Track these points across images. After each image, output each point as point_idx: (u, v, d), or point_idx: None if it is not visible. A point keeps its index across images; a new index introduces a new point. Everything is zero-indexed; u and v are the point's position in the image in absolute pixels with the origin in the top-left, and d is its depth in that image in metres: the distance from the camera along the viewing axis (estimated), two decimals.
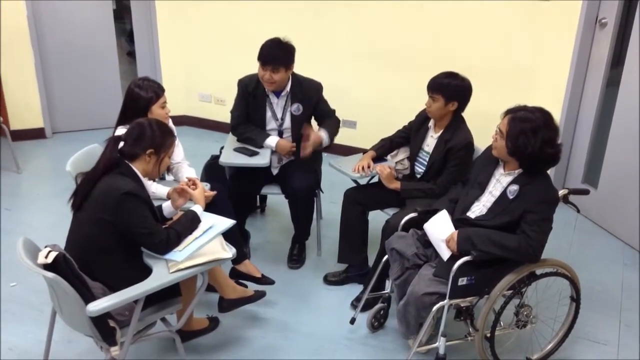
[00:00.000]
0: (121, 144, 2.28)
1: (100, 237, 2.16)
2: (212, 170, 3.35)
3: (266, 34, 3.17)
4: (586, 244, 3.75)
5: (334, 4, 4.51)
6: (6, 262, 3.26)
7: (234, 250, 2.32)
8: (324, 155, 3.53)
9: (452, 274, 2.33)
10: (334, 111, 3.38)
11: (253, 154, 3.18)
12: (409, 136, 3.17)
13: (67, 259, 2.03)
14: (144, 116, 2.72)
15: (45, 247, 2.06)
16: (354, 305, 3.02)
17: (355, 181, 3.24)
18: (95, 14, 4.97)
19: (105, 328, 2.09)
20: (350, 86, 4.62)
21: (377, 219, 3.16)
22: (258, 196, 3.87)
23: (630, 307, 3.13)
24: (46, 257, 1.99)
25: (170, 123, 2.88)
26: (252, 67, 3.19)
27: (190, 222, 2.32)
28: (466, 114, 2.98)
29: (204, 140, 5.06)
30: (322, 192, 3.52)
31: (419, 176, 3.09)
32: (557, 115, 3.77)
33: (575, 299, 2.63)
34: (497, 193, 2.46)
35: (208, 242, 2.27)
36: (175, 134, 2.66)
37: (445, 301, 2.37)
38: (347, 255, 3.19)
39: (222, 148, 3.29)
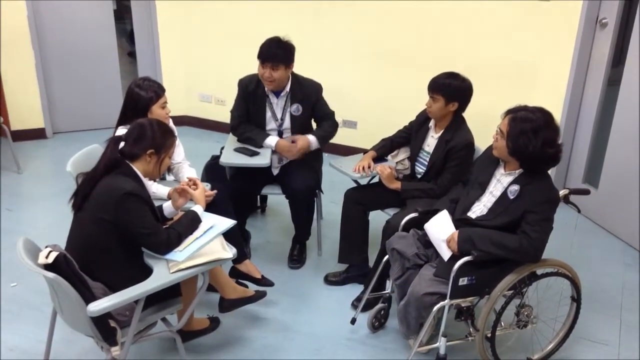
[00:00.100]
0: (122, 144, 2.28)
1: (101, 237, 2.16)
2: (213, 171, 3.35)
3: (266, 34, 3.17)
4: (587, 244, 3.74)
5: (335, 4, 4.51)
6: (6, 262, 3.26)
7: (234, 250, 2.32)
8: (325, 155, 3.52)
9: (452, 274, 2.33)
10: (333, 113, 3.37)
11: (253, 154, 3.18)
12: (410, 136, 3.17)
13: (67, 259, 2.03)
14: (144, 116, 2.72)
15: (46, 247, 2.06)
16: (354, 305, 3.02)
17: (355, 181, 3.24)
18: (96, 14, 4.97)
19: (105, 328, 2.09)
20: (350, 86, 4.62)
21: (377, 219, 3.16)
22: (258, 196, 3.87)
23: (631, 307, 3.13)
24: (47, 257, 1.99)
25: (171, 123, 2.88)
26: (253, 67, 3.19)
27: (191, 222, 2.32)
28: (467, 114, 2.98)
29: (205, 141, 5.06)
30: (323, 193, 3.52)
31: (419, 176, 3.09)
32: (558, 115, 3.77)
33: (576, 299, 2.63)
34: (498, 193, 2.46)
35: (209, 242, 2.27)
36: (176, 134, 2.67)
37: (446, 301, 2.37)
38: (347, 256, 3.19)
39: (222, 148, 3.29)
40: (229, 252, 2.29)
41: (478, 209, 2.52)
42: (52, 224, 3.65)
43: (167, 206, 2.49)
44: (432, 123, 3.04)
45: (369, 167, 3.11)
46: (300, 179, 3.20)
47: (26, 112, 4.90)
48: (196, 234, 2.29)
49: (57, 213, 3.69)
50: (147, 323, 2.29)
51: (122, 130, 2.52)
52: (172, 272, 2.14)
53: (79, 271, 2.06)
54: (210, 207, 2.52)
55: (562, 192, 2.53)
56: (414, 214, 2.70)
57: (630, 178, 3.60)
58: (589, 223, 3.98)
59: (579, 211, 2.82)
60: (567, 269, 2.54)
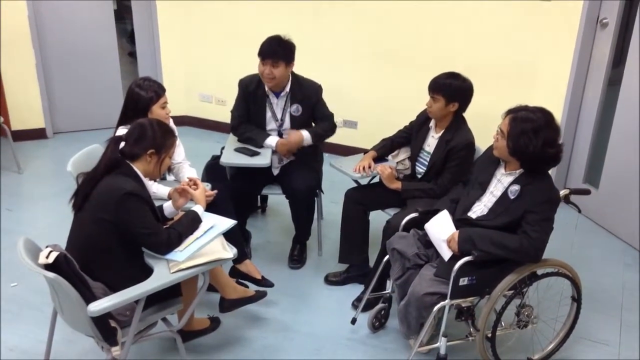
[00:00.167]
0: (122, 144, 2.28)
1: (101, 237, 2.16)
2: (213, 171, 3.35)
3: (266, 34, 3.17)
4: (587, 244, 3.74)
5: (335, 4, 4.51)
6: (7, 262, 3.26)
7: (234, 250, 2.32)
8: (325, 155, 3.52)
9: (453, 274, 2.33)
10: (332, 115, 3.35)
11: (254, 154, 3.18)
12: (410, 136, 3.17)
13: (68, 259, 2.03)
14: (145, 116, 2.72)
15: (46, 247, 2.06)
16: (354, 305, 3.02)
17: (356, 181, 3.24)
18: (96, 14, 4.97)
19: (106, 328, 2.09)
20: (351, 86, 4.62)
21: (378, 219, 3.16)
22: (259, 196, 3.87)
23: (631, 307, 3.13)
24: (47, 257, 1.99)
25: (171, 123, 2.88)
26: (253, 67, 3.19)
27: (191, 222, 2.32)
28: (467, 114, 2.98)
29: (205, 141, 5.06)
30: (323, 193, 3.52)
31: (419, 176, 3.09)
32: (558, 115, 3.75)
33: (577, 299, 2.63)
34: (498, 193, 2.46)
35: (209, 242, 2.27)
36: (176, 134, 2.67)
37: (446, 301, 2.37)
38: (348, 256, 3.19)
39: (222, 148, 3.29)
40: (230, 252, 2.29)
41: (478, 209, 2.52)
42: (52, 224, 3.65)
43: (168, 206, 2.49)
44: (432, 123, 3.04)
45: (370, 167, 3.11)
46: (301, 179, 3.20)
47: (26, 112, 4.90)
48: (196, 234, 2.29)
49: (57, 213, 3.69)
50: (148, 323, 2.29)
51: (122, 130, 2.52)
52: (173, 272, 2.14)
53: (80, 271, 2.06)
54: (211, 207, 2.52)
55: (562, 192, 2.53)
56: (415, 214, 2.70)
57: (630, 178, 3.60)
58: (589, 223, 3.98)
59: (579, 211, 2.82)
60: (568, 269, 2.54)
